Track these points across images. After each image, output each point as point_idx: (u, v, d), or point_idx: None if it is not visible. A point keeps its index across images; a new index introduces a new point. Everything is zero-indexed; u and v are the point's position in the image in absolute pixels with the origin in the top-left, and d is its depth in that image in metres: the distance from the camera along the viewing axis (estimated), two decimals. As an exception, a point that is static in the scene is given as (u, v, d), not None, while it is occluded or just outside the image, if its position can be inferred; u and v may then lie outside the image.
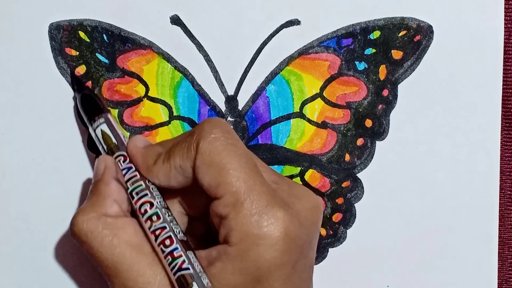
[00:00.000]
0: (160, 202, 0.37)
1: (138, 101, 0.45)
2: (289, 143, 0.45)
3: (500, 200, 0.45)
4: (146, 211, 0.37)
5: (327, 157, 0.45)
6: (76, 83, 0.43)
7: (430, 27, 0.44)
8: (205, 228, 0.40)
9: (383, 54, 0.44)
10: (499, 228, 0.45)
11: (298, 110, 0.45)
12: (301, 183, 0.45)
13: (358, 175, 0.45)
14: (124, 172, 0.38)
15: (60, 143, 0.45)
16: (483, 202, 0.45)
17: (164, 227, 0.36)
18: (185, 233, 0.38)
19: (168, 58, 0.44)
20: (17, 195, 0.45)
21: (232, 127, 0.45)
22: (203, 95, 0.45)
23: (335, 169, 0.45)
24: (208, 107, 0.45)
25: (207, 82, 0.44)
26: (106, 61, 0.44)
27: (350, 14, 0.43)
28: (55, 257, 0.45)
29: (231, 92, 0.45)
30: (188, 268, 0.35)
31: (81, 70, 0.44)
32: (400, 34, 0.44)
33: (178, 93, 0.45)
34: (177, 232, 0.36)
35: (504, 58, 0.44)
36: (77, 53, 0.44)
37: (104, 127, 0.40)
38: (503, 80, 0.44)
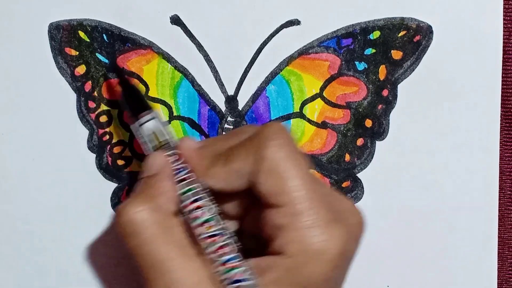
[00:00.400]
0: (216, 206, 0.35)
1: (138, 101, 0.45)
2: (289, 143, 0.45)
3: (500, 200, 0.45)
4: (202, 215, 0.35)
5: (327, 157, 0.45)
6: (120, 76, 0.42)
7: (429, 27, 0.44)
8: (238, 226, 0.39)
9: (383, 54, 0.44)
10: (499, 228, 0.45)
11: (298, 110, 0.45)
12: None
13: (358, 175, 0.45)
14: (176, 172, 0.36)
15: (60, 143, 0.45)
16: (483, 202, 0.45)
17: (222, 234, 0.34)
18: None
19: (168, 58, 0.44)
20: (17, 195, 0.45)
21: (232, 126, 0.45)
22: (203, 95, 0.45)
23: (335, 169, 0.45)
24: (208, 107, 0.45)
25: (207, 82, 0.44)
26: (106, 61, 0.44)
27: (350, 14, 0.44)
28: (55, 257, 0.45)
29: (231, 92, 0.45)
30: (246, 279, 0.33)
31: (81, 70, 0.44)
32: (399, 34, 0.44)
33: (178, 93, 0.45)
34: (235, 240, 0.34)
35: (503, 58, 0.44)
36: (77, 53, 0.44)
37: (155, 123, 0.38)
38: (503, 80, 0.44)
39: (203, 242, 0.34)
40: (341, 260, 0.34)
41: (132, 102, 0.40)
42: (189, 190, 0.35)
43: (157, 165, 0.37)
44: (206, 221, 0.35)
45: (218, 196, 0.36)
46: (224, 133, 0.45)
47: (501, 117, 0.44)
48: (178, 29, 0.44)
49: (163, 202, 0.35)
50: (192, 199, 0.35)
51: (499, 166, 0.45)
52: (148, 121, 0.38)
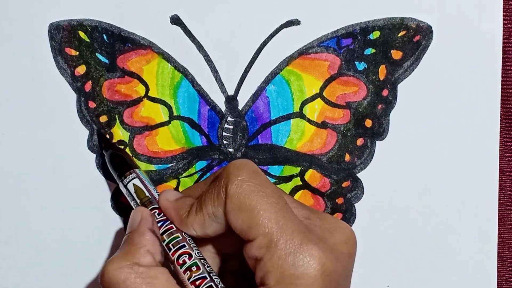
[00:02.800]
0: (197, 253, 0.38)
1: (138, 101, 0.45)
2: (289, 143, 0.45)
3: (499, 200, 0.45)
4: (184, 261, 0.37)
5: (327, 157, 0.45)
6: (103, 142, 0.44)
7: (429, 27, 0.44)
8: (239, 264, 0.40)
9: (382, 54, 0.44)
10: (498, 228, 0.45)
11: (298, 110, 0.45)
12: (301, 183, 0.45)
13: (358, 175, 0.45)
14: (159, 224, 0.39)
15: (60, 143, 0.45)
16: (483, 202, 0.45)
17: (205, 277, 0.37)
18: (220, 271, 0.39)
19: (168, 58, 0.44)
20: (17, 195, 0.45)
21: (232, 126, 0.45)
22: (203, 95, 0.45)
23: (335, 169, 0.45)
24: (208, 107, 0.45)
25: (207, 82, 0.44)
26: (106, 61, 0.44)
27: (350, 14, 0.44)
28: (55, 257, 0.45)
29: (231, 92, 0.45)
30: None
31: (81, 70, 0.44)
32: (399, 34, 0.44)
33: (178, 93, 0.45)
34: (218, 282, 0.37)
35: (503, 58, 0.44)
36: (77, 53, 0.44)
37: (137, 182, 0.41)
38: (502, 80, 0.44)
39: (190, 286, 0.37)
40: (326, 280, 0.34)
41: (116, 164, 0.42)
42: (171, 240, 0.38)
43: (137, 220, 0.39)
44: (189, 266, 0.37)
45: (214, 239, 0.39)
46: (224, 133, 0.45)
47: (501, 117, 0.44)
48: (178, 29, 0.44)
49: (144, 255, 0.37)
50: (174, 249, 0.38)
51: (499, 166, 0.45)
52: (131, 180, 0.41)
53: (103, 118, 0.45)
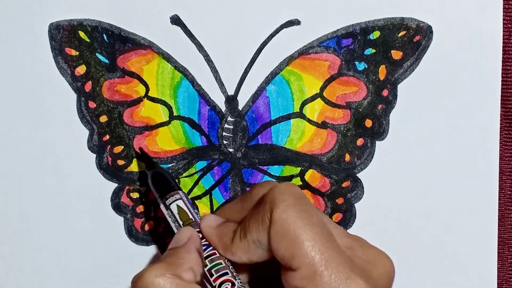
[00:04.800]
0: (239, 282, 0.37)
1: (138, 101, 0.45)
2: (289, 143, 0.45)
3: (499, 200, 0.45)
4: None
5: (327, 157, 0.45)
6: (146, 160, 0.44)
7: (429, 27, 0.44)
8: (249, 278, 0.40)
9: (383, 54, 0.44)
10: (498, 228, 0.45)
11: (298, 110, 0.45)
12: (301, 183, 0.45)
13: (358, 175, 0.45)
14: (204, 248, 0.38)
15: (60, 143, 0.45)
16: (483, 202, 0.45)
17: None
18: None
19: (168, 58, 0.44)
20: (17, 195, 0.45)
21: (232, 126, 0.45)
22: (203, 95, 0.45)
23: (335, 169, 0.45)
24: (208, 107, 0.45)
25: (207, 82, 0.44)
26: (106, 61, 0.44)
27: (350, 14, 0.44)
28: (55, 257, 0.45)
29: (231, 92, 0.45)
30: None
31: (81, 70, 0.44)
32: (399, 35, 0.44)
33: (178, 93, 0.45)
34: None
35: (503, 58, 0.44)
36: (77, 53, 0.44)
37: (180, 203, 0.40)
38: (502, 80, 0.44)
39: None
40: None
41: (159, 184, 0.42)
42: (214, 265, 0.37)
43: (185, 238, 0.38)
44: None
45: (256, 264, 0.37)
46: (224, 133, 0.45)
47: (501, 117, 0.44)
48: (178, 29, 0.44)
49: (187, 270, 0.36)
50: (216, 275, 0.37)
51: (499, 166, 0.45)
52: (175, 201, 0.40)
53: (103, 118, 0.45)
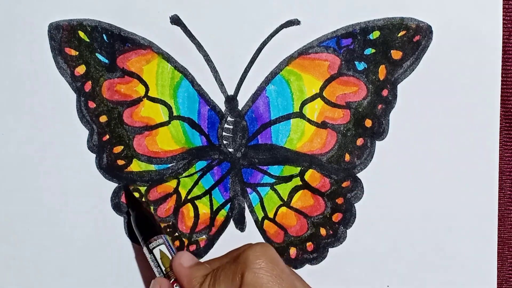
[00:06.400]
0: None
1: (138, 101, 0.45)
2: (289, 143, 0.45)
3: (499, 200, 0.45)
4: None
5: (327, 157, 0.45)
6: (131, 199, 0.44)
7: (429, 27, 0.44)
8: None
9: (382, 54, 0.44)
10: (498, 228, 0.45)
11: (298, 110, 0.45)
12: (301, 183, 0.45)
13: (358, 175, 0.45)
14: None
15: (60, 143, 0.45)
16: (483, 202, 0.45)
17: None
18: None
19: (168, 58, 0.44)
20: (17, 195, 0.45)
21: (232, 126, 0.45)
22: (203, 95, 0.45)
23: (335, 169, 0.45)
24: (208, 107, 0.45)
25: (207, 82, 0.44)
26: (106, 61, 0.44)
27: (350, 14, 0.44)
28: (55, 257, 0.45)
29: (231, 92, 0.45)
30: None
31: (80, 70, 0.44)
32: (399, 34, 0.44)
33: (178, 93, 0.45)
34: None
35: (503, 58, 0.44)
36: (77, 53, 0.44)
37: (163, 248, 0.41)
38: (502, 80, 0.44)
39: None
40: None
41: (142, 226, 0.42)
42: None
43: None
44: None
45: None
46: (223, 133, 0.45)
47: (501, 117, 0.44)
48: (178, 29, 0.44)
49: None
50: None
51: (499, 166, 0.45)
52: (158, 245, 0.41)
53: (103, 118, 0.45)
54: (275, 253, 0.36)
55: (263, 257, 0.36)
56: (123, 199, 0.45)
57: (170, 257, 0.40)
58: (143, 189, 0.45)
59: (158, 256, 0.41)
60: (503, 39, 0.44)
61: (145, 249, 0.41)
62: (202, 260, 0.43)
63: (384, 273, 0.45)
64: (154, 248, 0.41)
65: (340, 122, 0.45)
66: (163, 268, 0.40)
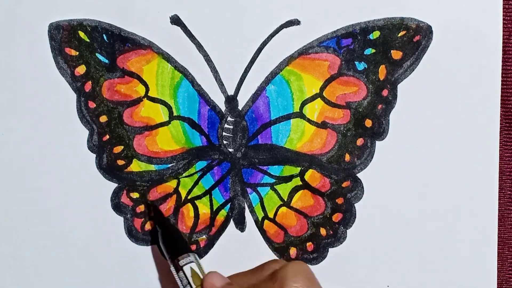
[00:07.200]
0: None
1: (138, 101, 0.45)
2: (289, 143, 0.45)
3: (500, 200, 0.45)
4: None
5: (327, 157, 0.45)
6: (158, 216, 0.44)
7: (429, 27, 0.44)
8: None
9: (382, 54, 0.44)
10: (498, 228, 0.45)
11: (298, 110, 0.45)
12: (301, 183, 0.45)
13: (358, 175, 0.45)
14: None
15: (60, 143, 0.45)
16: (483, 202, 0.45)
17: None
18: None
19: (168, 58, 0.44)
20: (17, 195, 0.45)
21: (232, 126, 0.45)
22: (203, 95, 0.45)
23: (335, 169, 0.45)
24: (208, 107, 0.45)
25: (207, 82, 0.44)
26: (106, 61, 0.44)
27: (350, 14, 0.44)
28: (55, 257, 0.45)
29: (231, 92, 0.45)
30: None
31: (81, 70, 0.44)
32: (399, 34, 0.44)
33: (178, 93, 0.45)
34: None
35: (503, 58, 0.44)
36: (77, 53, 0.44)
37: (194, 266, 0.40)
38: (502, 80, 0.44)
39: None
40: None
41: (170, 243, 0.41)
42: None
43: None
44: None
45: None
46: (224, 133, 0.45)
47: (501, 117, 0.44)
48: (178, 29, 0.44)
49: None
50: None
51: (499, 166, 0.45)
52: (188, 263, 0.40)
53: (103, 118, 0.45)
54: (311, 272, 0.37)
55: (301, 275, 0.36)
56: (123, 199, 0.45)
57: (201, 276, 0.40)
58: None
59: (189, 274, 0.40)
60: (503, 39, 0.44)
61: (173, 268, 0.41)
62: (216, 269, 0.42)
63: (384, 273, 0.45)
64: (183, 265, 0.40)
65: (340, 122, 0.45)
66: (194, 287, 0.40)
